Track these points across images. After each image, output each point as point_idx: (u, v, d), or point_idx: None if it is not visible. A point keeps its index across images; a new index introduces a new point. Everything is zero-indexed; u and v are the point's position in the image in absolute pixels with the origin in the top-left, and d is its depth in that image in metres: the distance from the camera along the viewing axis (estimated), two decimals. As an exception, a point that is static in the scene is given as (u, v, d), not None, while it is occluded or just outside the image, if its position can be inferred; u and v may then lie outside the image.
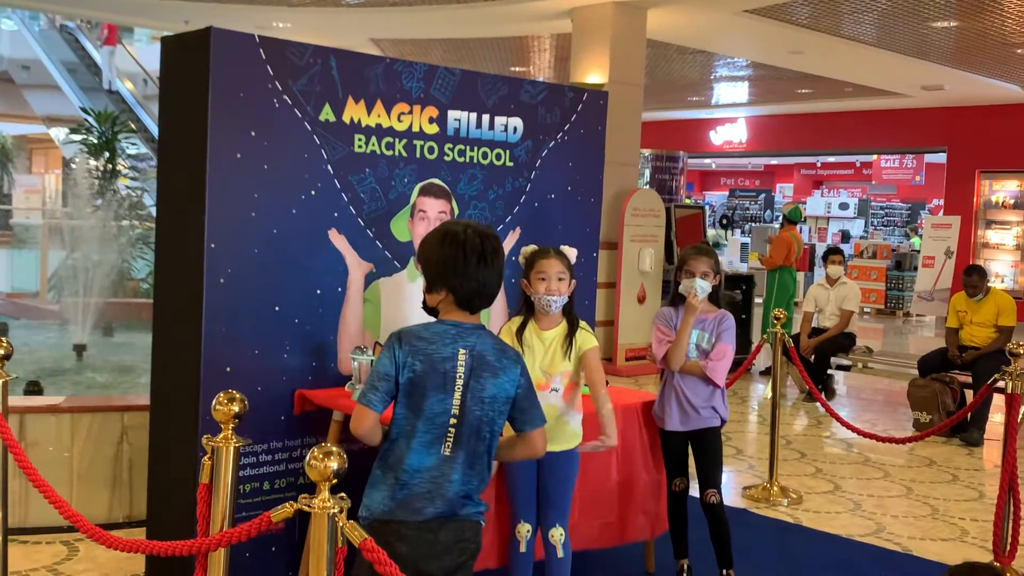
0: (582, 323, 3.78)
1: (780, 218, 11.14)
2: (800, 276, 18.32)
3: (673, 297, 4.35)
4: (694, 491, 4.36)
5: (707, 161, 26.24)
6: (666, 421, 4.31)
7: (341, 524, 2.23)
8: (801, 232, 22.45)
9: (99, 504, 4.88)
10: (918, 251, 16.84)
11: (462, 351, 2.82)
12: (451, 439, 2.81)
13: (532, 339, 3.72)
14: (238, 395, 2.59)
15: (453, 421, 2.81)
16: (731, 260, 17.83)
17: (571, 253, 3.81)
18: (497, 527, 3.90)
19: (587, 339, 3.74)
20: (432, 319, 2.96)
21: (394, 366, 2.77)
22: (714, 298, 4.30)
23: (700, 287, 4.17)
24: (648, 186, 12.75)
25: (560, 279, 3.68)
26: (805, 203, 24.32)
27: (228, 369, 3.95)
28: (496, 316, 4.86)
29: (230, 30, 3.93)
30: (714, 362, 4.21)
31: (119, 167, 12.92)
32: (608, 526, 4.30)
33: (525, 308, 3.79)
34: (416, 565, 2.72)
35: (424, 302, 2.97)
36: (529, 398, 2.96)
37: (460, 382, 2.80)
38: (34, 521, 4.73)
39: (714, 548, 4.31)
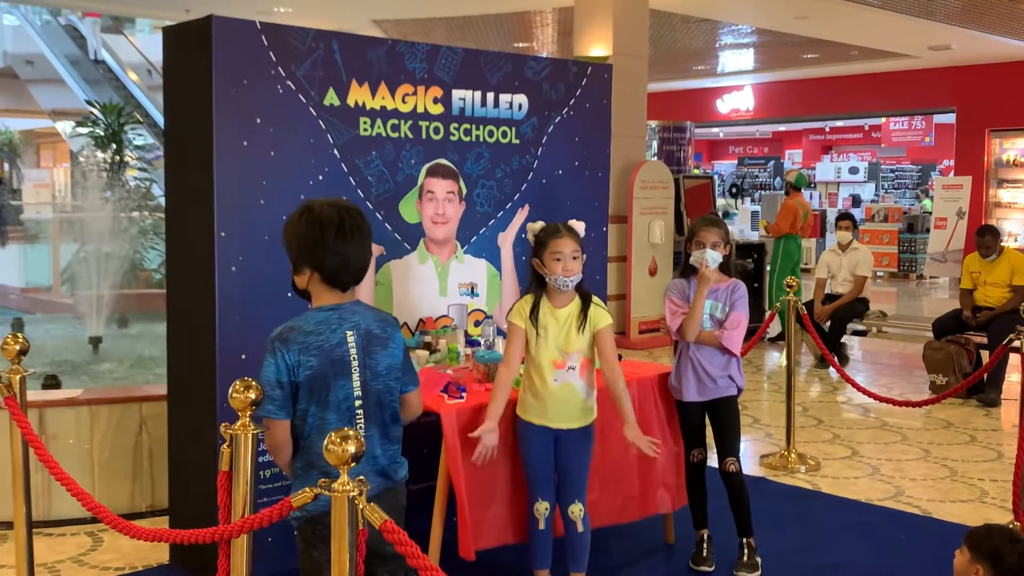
0: (595, 299, 3.77)
1: (785, 185, 11.09)
2: (811, 242, 18.32)
3: (684, 269, 4.34)
4: (712, 461, 4.37)
5: (715, 130, 26.11)
6: (683, 392, 4.30)
7: (361, 507, 2.24)
8: (811, 199, 22.41)
9: (121, 495, 4.92)
10: (930, 213, 16.77)
11: (349, 333, 2.82)
12: (361, 419, 2.84)
13: (546, 318, 3.71)
14: (254, 383, 2.59)
15: (359, 402, 2.83)
16: (742, 229, 17.77)
17: (579, 227, 3.79)
18: (516, 504, 3.91)
19: (601, 316, 3.72)
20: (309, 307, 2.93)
21: (285, 369, 2.74)
22: (725, 268, 4.30)
23: (711, 258, 4.16)
24: (656, 158, 12.70)
25: (574, 258, 3.66)
26: (814, 169, 24.20)
27: (243, 356, 3.96)
28: (507, 294, 4.87)
29: (231, 17, 3.93)
30: (729, 331, 4.20)
31: (127, 158, 12.91)
32: (630, 500, 4.30)
33: (536, 286, 3.77)
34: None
35: (294, 286, 2.92)
36: (408, 360, 2.99)
37: (356, 363, 2.82)
38: (58, 513, 4.77)
39: (734, 517, 4.32)
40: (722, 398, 4.28)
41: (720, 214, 12.57)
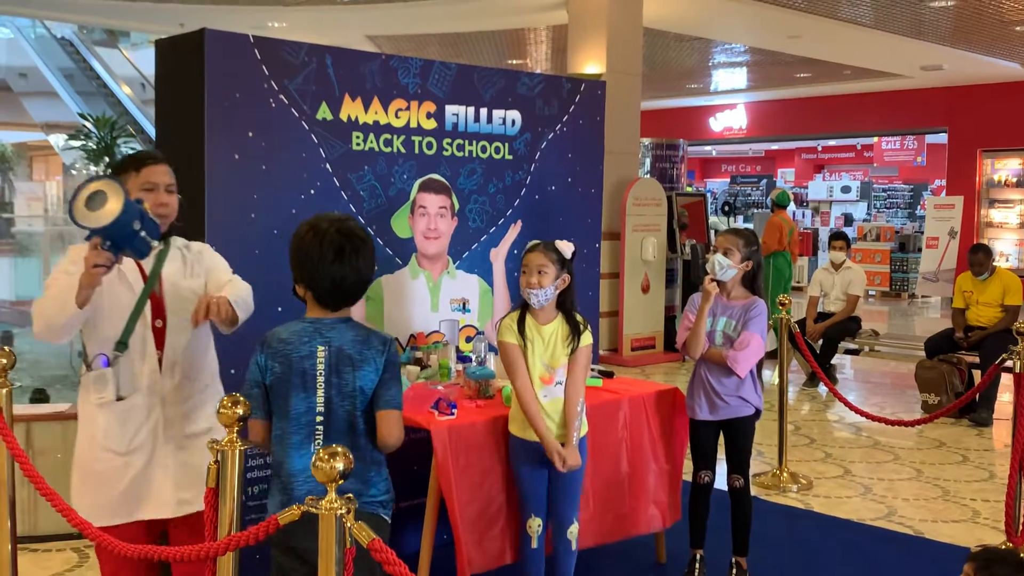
0: (579, 317, 3.71)
1: (770, 204, 11.29)
2: (804, 261, 18.34)
3: None
4: (719, 484, 4.35)
5: (707, 148, 26.16)
6: (696, 411, 4.25)
7: (349, 524, 2.21)
8: (803, 217, 22.44)
9: (108, 510, 4.86)
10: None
11: (320, 348, 2.82)
12: (320, 437, 2.81)
13: (533, 333, 3.70)
14: (242, 398, 2.57)
15: (320, 419, 2.81)
16: (734, 247, 17.75)
17: (565, 248, 3.70)
18: (510, 524, 3.88)
19: (583, 336, 3.71)
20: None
21: (258, 371, 2.83)
22: (751, 284, 4.23)
23: (716, 262, 4.11)
24: (649, 175, 12.71)
25: (541, 272, 3.62)
26: (807, 188, 24.27)
27: (232, 371, 3.92)
28: (499, 310, 4.85)
29: (224, 31, 3.92)
30: (735, 351, 4.10)
31: (119, 172, 12.89)
32: (621, 518, 4.27)
33: (522, 303, 3.76)
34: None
35: (294, 292, 2.95)
36: (389, 382, 2.86)
37: (321, 379, 2.81)
38: (44, 529, 4.72)
39: (732, 533, 4.29)
40: (735, 419, 4.21)
41: (712, 232, 12.58)
